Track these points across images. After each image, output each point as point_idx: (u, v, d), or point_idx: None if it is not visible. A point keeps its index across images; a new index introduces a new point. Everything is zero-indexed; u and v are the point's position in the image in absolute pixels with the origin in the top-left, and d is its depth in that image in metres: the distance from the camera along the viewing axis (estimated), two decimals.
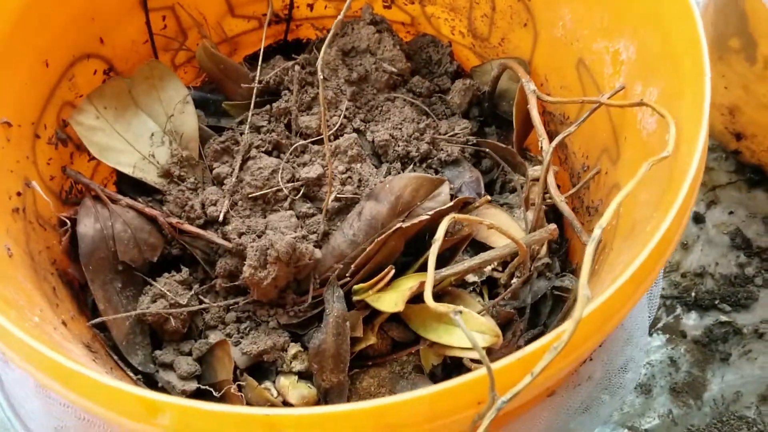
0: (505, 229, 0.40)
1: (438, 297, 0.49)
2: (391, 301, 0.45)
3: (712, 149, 0.78)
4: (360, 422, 0.29)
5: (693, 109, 0.36)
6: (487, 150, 0.52)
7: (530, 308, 0.49)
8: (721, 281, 0.70)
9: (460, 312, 0.28)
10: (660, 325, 0.69)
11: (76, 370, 0.31)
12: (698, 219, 0.74)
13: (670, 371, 0.66)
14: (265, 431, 0.29)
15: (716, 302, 0.69)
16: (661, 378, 0.66)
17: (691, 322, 0.69)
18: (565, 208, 0.42)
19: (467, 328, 0.45)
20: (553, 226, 0.42)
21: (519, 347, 0.47)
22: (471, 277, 0.50)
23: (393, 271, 0.45)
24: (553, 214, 0.55)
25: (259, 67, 0.57)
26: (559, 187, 0.56)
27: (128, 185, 0.55)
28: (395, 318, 0.49)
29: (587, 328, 0.31)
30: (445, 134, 0.56)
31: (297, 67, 0.56)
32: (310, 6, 0.64)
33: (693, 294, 0.70)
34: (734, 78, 0.72)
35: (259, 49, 0.60)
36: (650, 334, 0.69)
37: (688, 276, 0.71)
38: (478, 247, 0.51)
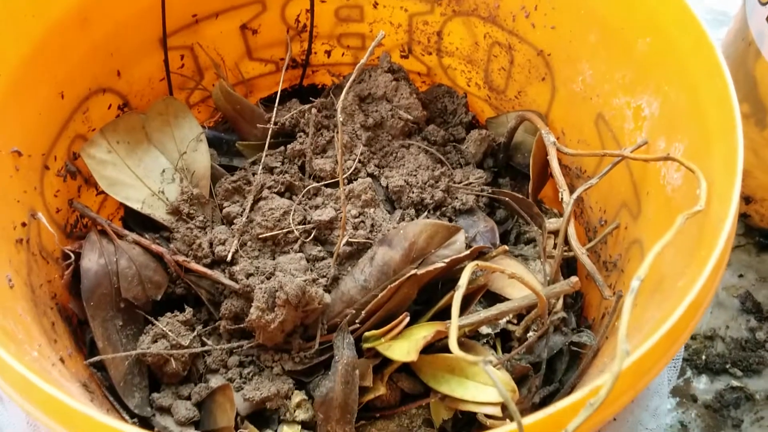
0: (527, 280, 0.39)
1: (449, 349, 0.47)
2: (403, 349, 0.43)
3: None
4: None
5: (725, 164, 0.36)
6: (506, 199, 0.52)
7: (546, 364, 0.47)
8: (731, 345, 0.69)
9: (490, 361, 0.26)
10: (670, 387, 0.67)
11: (75, 408, 0.29)
12: None
13: None
14: None
15: (727, 366, 0.68)
16: None
17: (702, 386, 0.67)
18: (587, 261, 0.41)
19: (477, 382, 0.43)
20: (575, 278, 0.41)
21: (534, 404, 0.46)
22: (485, 329, 0.48)
23: (408, 318, 0.44)
24: (566, 268, 0.55)
25: (275, 109, 0.57)
26: None
27: (135, 221, 0.54)
28: (405, 368, 0.47)
29: (622, 384, 0.29)
30: (459, 183, 0.55)
31: (314, 110, 0.56)
32: (328, 53, 0.64)
33: (703, 357, 0.68)
34: (744, 142, 0.72)
35: (275, 93, 0.60)
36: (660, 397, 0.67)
37: (698, 338, 0.70)
38: (492, 298, 0.50)
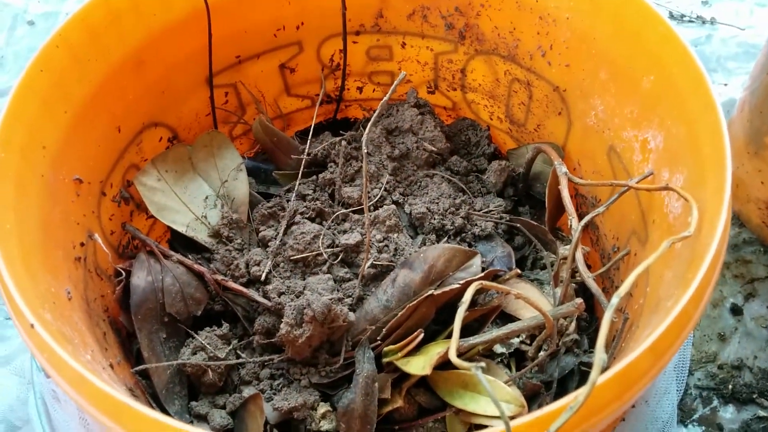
0: (532, 300, 0.42)
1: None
2: (419, 364, 0.46)
3: (749, 243, 0.78)
4: None
5: (715, 194, 0.38)
6: (520, 226, 0.55)
7: (557, 383, 0.49)
8: (759, 375, 0.69)
9: (482, 367, 0.29)
10: (696, 416, 0.67)
11: (124, 402, 0.33)
12: (736, 311, 0.73)
13: None
14: None
15: (754, 396, 0.67)
16: None
17: (729, 415, 0.67)
18: (592, 284, 0.43)
19: (489, 397, 0.46)
20: (579, 300, 0.43)
21: None
22: (499, 348, 0.51)
23: (422, 334, 0.47)
24: (583, 294, 0.57)
25: (309, 141, 0.62)
26: (589, 267, 0.58)
27: (180, 243, 0.59)
28: (423, 384, 0.50)
29: (606, 395, 0.32)
30: (479, 210, 0.58)
31: (344, 143, 0.60)
32: (360, 89, 0.69)
33: (730, 387, 0.68)
34: None
35: (310, 126, 0.65)
36: (686, 425, 0.67)
37: (725, 368, 0.70)
38: (507, 319, 0.53)
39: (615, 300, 0.30)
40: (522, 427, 0.30)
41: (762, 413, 0.66)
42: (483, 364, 0.31)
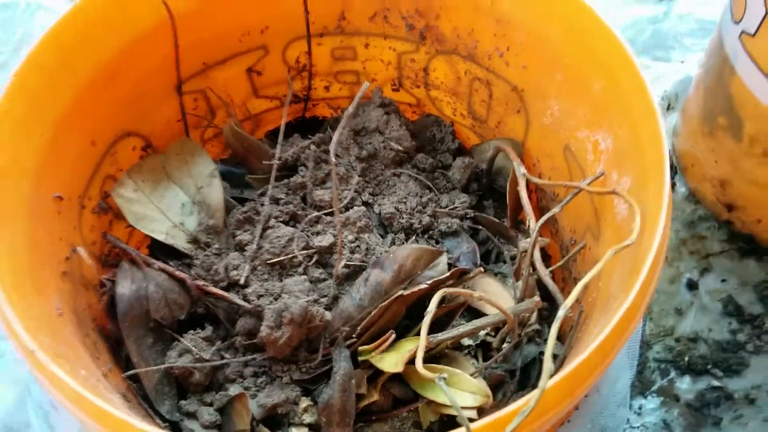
0: (494, 299, 0.45)
1: (436, 359, 0.53)
2: (392, 361, 0.50)
3: (705, 218, 0.82)
4: None
5: (655, 198, 0.41)
6: (481, 227, 0.58)
7: (520, 371, 0.53)
8: (714, 347, 0.73)
9: (444, 378, 0.33)
10: (654, 387, 0.72)
11: (123, 420, 0.36)
12: (692, 286, 0.77)
13: None
14: None
15: (709, 367, 0.72)
16: None
17: (685, 386, 0.72)
18: (549, 282, 0.47)
19: (456, 389, 0.49)
20: (536, 299, 0.46)
21: None
22: (466, 341, 0.54)
23: (393, 336, 0.50)
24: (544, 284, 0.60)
25: (278, 145, 0.64)
26: (550, 257, 0.61)
27: (160, 250, 0.61)
28: (397, 377, 0.53)
29: (556, 395, 0.35)
30: (446, 207, 0.61)
31: (312, 146, 0.62)
32: (327, 88, 0.71)
33: (686, 359, 0.73)
34: (723, 153, 0.76)
35: (279, 126, 0.67)
36: (645, 396, 0.72)
37: (682, 341, 0.74)
38: (475, 312, 0.56)
39: (561, 312, 0.33)
40: (481, 429, 0.33)
41: (715, 383, 0.71)
42: (446, 375, 0.34)
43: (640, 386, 0.72)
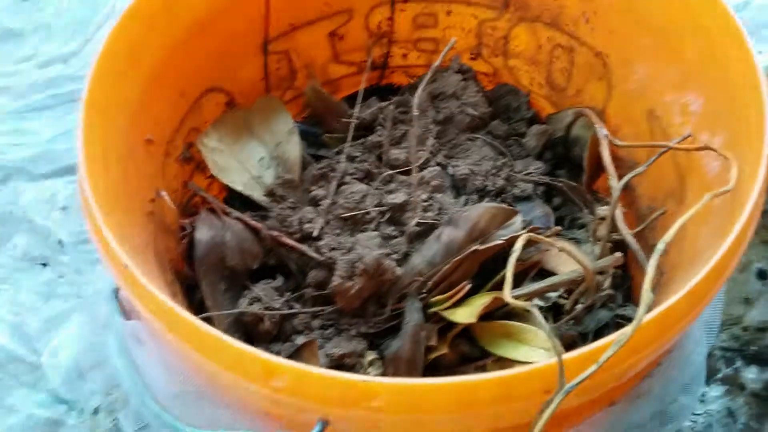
0: (575, 253, 0.45)
1: (506, 316, 0.53)
2: (465, 314, 0.50)
3: None
4: (440, 396, 0.34)
5: (754, 153, 0.41)
6: (560, 185, 0.57)
7: (593, 335, 0.52)
8: None
9: (538, 305, 0.33)
10: (719, 375, 0.70)
11: (208, 333, 0.37)
12: (762, 275, 0.75)
13: (728, 422, 0.67)
14: (360, 395, 0.34)
15: None
16: (718, 428, 0.67)
17: (751, 375, 0.70)
18: (631, 240, 0.46)
19: (530, 346, 0.49)
20: (618, 254, 0.46)
21: None
22: (538, 302, 0.54)
23: (469, 286, 0.50)
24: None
25: (357, 105, 0.65)
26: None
27: (237, 201, 0.63)
28: (465, 335, 0.53)
29: (648, 334, 0.35)
30: (519, 172, 0.61)
31: (391, 107, 0.63)
32: (405, 56, 0.71)
33: (754, 348, 0.71)
34: None
35: (356, 92, 0.68)
36: (708, 384, 0.70)
37: (749, 330, 0.72)
38: (545, 276, 0.56)
39: (661, 246, 0.33)
40: (572, 360, 0.33)
41: None
42: (538, 302, 0.34)
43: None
